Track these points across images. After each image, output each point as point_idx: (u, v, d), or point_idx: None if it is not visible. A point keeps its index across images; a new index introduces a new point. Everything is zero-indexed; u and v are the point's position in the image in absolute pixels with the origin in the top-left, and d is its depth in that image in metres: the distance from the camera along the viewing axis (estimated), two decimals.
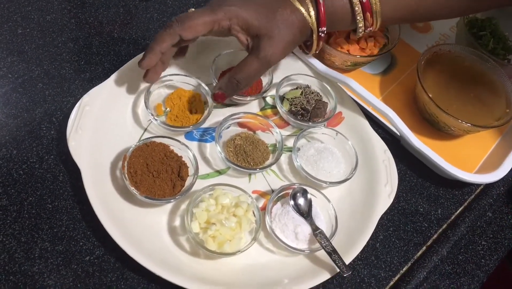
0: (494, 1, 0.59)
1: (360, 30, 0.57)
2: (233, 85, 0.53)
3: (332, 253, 0.49)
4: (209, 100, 0.58)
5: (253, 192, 0.56)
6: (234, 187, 0.52)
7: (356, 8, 0.54)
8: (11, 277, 0.46)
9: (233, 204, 0.51)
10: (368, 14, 0.55)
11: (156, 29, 0.67)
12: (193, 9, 0.53)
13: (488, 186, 0.63)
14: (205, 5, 0.53)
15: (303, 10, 0.53)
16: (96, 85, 0.56)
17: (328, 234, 0.52)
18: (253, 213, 0.51)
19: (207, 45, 0.62)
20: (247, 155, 0.56)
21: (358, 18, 0.55)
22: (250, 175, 0.57)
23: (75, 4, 0.67)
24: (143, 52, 0.53)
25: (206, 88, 0.59)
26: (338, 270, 0.50)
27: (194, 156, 0.53)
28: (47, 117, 0.56)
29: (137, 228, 0.50)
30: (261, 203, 0.55)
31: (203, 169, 0.55)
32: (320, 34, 0.55)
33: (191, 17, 0.50)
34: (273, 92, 0.62)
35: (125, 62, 0.59)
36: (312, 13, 0.53)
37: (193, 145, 0.57)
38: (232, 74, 0.53)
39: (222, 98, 0.54)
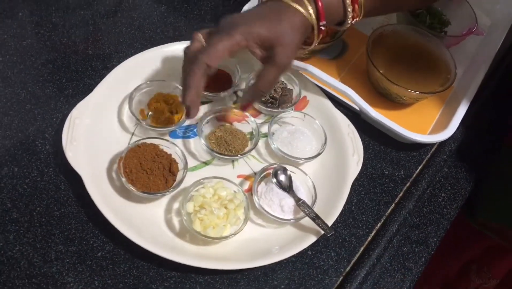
0: None
1: (349, 22, 0.61)
2: (258, 95, 0.58)
3: (315, 218, 0.57)
4: None
5: (238, 176, 0.62)
6: (233, 184, 0.58)
7: (347, 1, 0.59)
8: (33, 280, 0.51)
9: (228, 198, 0.57)
10: (356, 6, 0.59)
11: (127, 41, 0.72)
12: (199, 34, 0.57)
13: (441, 145, 0.72)
14: (214, 28, 0.57)
15: (302, 10, 0.56)
16: (80, 99, 0.61)
17: (309, 203, 0.59)
18: (244, 211, 0.57)
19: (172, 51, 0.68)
20: (228, 144, 0.62)
21: (348, 10, 0.59)
22: (233, 162, 0.63)
23: (47, 27, 0.71)
24: (182, 90, 0.56)
25: (180, 87, 0.65)
26: (323, 232, 0.57)
27: (182, 152, 0.59)
28: (40, 134, 0.61)
29: (139, 220, 0.55)
30: (246, 186, 0.61)
31: (191, 162, 0.61)
32: (320, 28, 0.59)
33: (213, 45, 0.53)
34: (243, 86, 0.69)
35: (103, 75, 0.64)
36: (311, 10, 0.57)
37: (178, 142, 0.63)
38: (256, 86, 0.57)
39: (249, 107, 0.60)
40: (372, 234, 0.62)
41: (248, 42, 0.55)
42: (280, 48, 0.55)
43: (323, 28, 0.59)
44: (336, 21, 0.61)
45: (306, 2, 0.57)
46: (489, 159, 0.76)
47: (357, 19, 0.61)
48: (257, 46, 0.56)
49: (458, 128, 0.72)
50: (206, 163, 0.62)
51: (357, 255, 0.60)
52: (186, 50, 0.58)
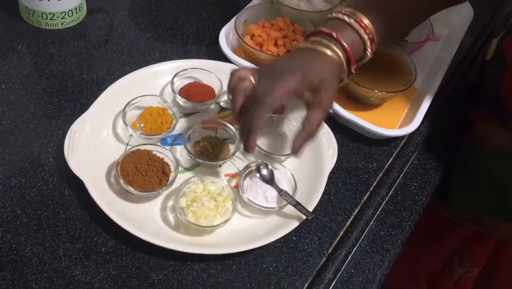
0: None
1: (367, 58, 0.67)
2: (310, 139, 0.62)
3: (297, 204, 0.63)
4: (175, 111, 0.71)
5: (225, 175, 0.68)
6: (221, 180, 0.64)
7: (367, 42, 0.64)
8: (45, 274, 0.56)
9: (217, 192, 0.64)
10: (373, 44, 0.66)
11: (117, 65, 0.79)
12: (243, 71, 0.61)
13: (409, 138, 0.79)
14: (263, 69, 0.63)
15: (335, 56, 0.62)
16: (78, 117, 0.68)
17: (290, 193, 0.65)
18: (232, 203, 0.63)
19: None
20: (210, 153, 0.69)
21: (368, 50, 0.66)
22: (220, 165, 0.70)
23: (45, 57, 0.79)
24: (246, 130, 0.59)
25: (169, 100, 0.72)
26: (305, 217, 0.63)
27: (173, 156, 0.66)
28: (44, 149, 0.67)
29: (137, 218, 0.61)
30: (233, 183, 0.68)
31: (181, 166, 0.68)
32: (351, 71, 0.65)
33: (276, 87, 0.58)
34: (225, 97, 0.76)
35: (97, 95, 0.71)
36: (341, 55, 0.62)
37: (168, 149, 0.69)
38: (308, 131, 0.61)
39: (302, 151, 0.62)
40: (350, 219, 0.68)
41: (303, 88, 0.60)
42: (325, 93, 0.61)
43: (353, 71, 0.66)
44: (358, 59, 0.67)
45: (336, 49, 0.62)
46: (454, 150, 0.83)
47: (373, 51, 0.67)
48: (307, 91, 0.61)
49: (423, 123, 0.79)
50: (195, 166, 0.69)
51: (338, 238, 0.65)
52: (236, 87, 0.61)
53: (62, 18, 0.82)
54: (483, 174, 0.81)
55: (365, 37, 0.64)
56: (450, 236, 0.95)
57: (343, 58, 0.63)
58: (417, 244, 1.01)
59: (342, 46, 0.63)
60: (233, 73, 0.63)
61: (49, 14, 0.80)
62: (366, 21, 0.64)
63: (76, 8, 0.82)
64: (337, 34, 0.63)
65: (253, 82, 0.61)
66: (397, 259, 1.05)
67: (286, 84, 0.59)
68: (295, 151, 0.61)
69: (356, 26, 0.64)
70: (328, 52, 0.62)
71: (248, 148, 0.60)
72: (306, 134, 0.61)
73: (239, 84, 0.61)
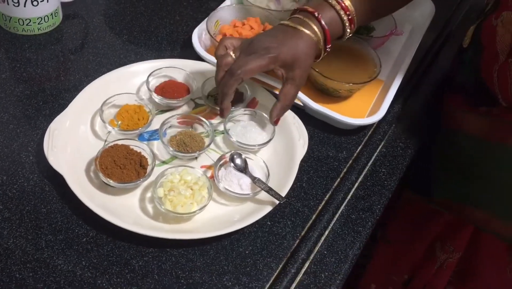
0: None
1: (347, 36, 0.73)
2: (285, 110, 0.71)
3: (269, 190, 0.66)
4: (151, 108, 0.74)
5: (201, 166, 0.71)
6: (197, 171, 0.67)
7: (346, 23, 0.70)
8: (28, 265, 0.58)
9: (193, 181, 0.66)
10: (352, 25, 0.71)
11: (94, 67, 0.82)
12: (228, 43, 0.70)
13: (376, 128, 0.83)
14: (243, 43, 0.69)
15: (313, 35, 0.68)
16: (57, 116, 0.70)
17: (264, 180, 0.68)
18: (207, 191, 0.66)
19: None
20: (186, 145, 0.72)
21: (348, 30, 0.71)
22: (196, 157, 0.72)
23: (22, 62, 0.81)
24: (219, 96, 0.70)
25: (145, 98, 0.75)
26: (278, 202, 0.66)
27: (150, 149, 0.69)
28: (24, 148, 0.69)
29: (117, 209, 0.64)
30: (209, 174, 0.70)
31: (158, 160, 0.71)
32: (327, 50, 0.71)
33: (248, 64, 0.66)
34: (199, 94, 0.79)
35: (75, 96, 0.73)
36: (319, 33, 0.69)
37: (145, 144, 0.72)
38: (283, 103, 0.70)
39: (278, 122, 0.73)
40: (322, 203, 0.71)
41: (274, 65, 0.67)
42: (298, 70, 0.68)
43: (328, 50, 0.72)
44: (336, 37, 0.73)
45: (315, 28, 0.68)
46: (421, 137, 0.87)
47: (353, 31, 0.73)
48: (280, 68, 0.68)
49: (389, 112, 0.83)
50: (172, 158, 0.71)
51: (310, 221, 0.69)
52: (219, 60, 0.69)
53: (38, 24, 0.84)
54: (460, 161, 0.85)
55: (345, 18, 0.70)
56: (431, 225, 0.97)
57: (320, 36, 0.69)
58: (398, 238, 1.04)
59: (321, 25, 0.69)
60: (220, 42, 0.71)
61: (26, 20, 0.83)
62: (347, 2, 0.70)
63: (52, 14, 0.85)
64: (319, 14, 0.69)
65: (233, 57, 0.69)
66: (377, 253, 1.09)
67: (258, 60, 0.66)
68: (273, 121, 0.71)
69: (338, 7, 0.70)
70: (306, 30, 0.68)
71: (221, 113, 0.71)
72: (281, 106, 0.70)
73: (221, 59, 0.69)
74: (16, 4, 0.80)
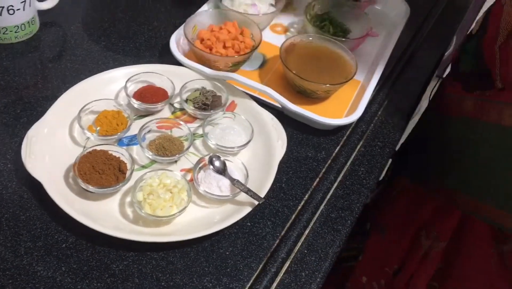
0: None
1: None
2: None
3: (248, 191, 0.66)
4: (130, 113, 0.74)
5: (181, 170, 0.72)
6: (176, 174, 0.67)
7: None
8: (7, 272, 0.58)
9: (172, 184, 0.67)
10: None
11: (72, 74, 0.82)
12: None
13: (354, 128, 0.84)
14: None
15: None
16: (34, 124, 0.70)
17: (243, 182, 0.68)
18: (187, 193, 0.67)
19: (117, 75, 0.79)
20: (165, 149, 0.72)
21: None
22: (176, 161, 0.73)
23: (0, 70, 0.81)
24: None
25: (123, 104, 0.75)
26: (257, 203, 0.66)
27: (129, 154, 0.69)
28: (2, 156, 0.69)
29: (97, 215, 0.64)
30: (188, 177, 0.71)
31: (137, 164, 0.71)
32: None
33: None
34: (178, 98, 0.79)
35: (53, 103, 0.73)
36: None
37: (124, 149, 0.72)
38: None
39: None
40: (302, 203, 0.72)
41: None
42: None
43: None
44: None
45: None
46: (399, 135, 0.88)
47: None
48: None
49: (367, 113, 0.85)
50: (151, 163, 0.72)
51: (290, 221, 0.69)
52: None
53: (15, 32, 0.84)
54: (453, 145, 0.86)
55: None
56: (421, 212, 0.99)
57: None
58: (391, 227, 1.05)
59: None
60: None
61: (2, 28, 0.83)
62: None
63: (28, 22, 0.85)
64: None
65: None
66: (369, 245, 1.09)
67: None
68: None
69: None
70: None
71: None
72: None
73: None
74: None
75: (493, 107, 0.78)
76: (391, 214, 1.05)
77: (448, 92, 0.89)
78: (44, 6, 0.88)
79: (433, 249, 0.96)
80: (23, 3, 0.82)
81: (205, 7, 0.94)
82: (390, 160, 1.07)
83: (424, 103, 1.05)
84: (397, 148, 0.96)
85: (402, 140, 0.99)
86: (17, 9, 0.82)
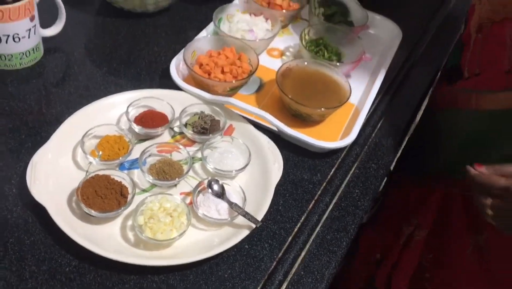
0: None
1: None
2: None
3: (246, 214, 0.69)
4: (131, 138, 0.76)
5: (180, 193, 0.74)
6: (176, 198, 0.70)
7: None
8: None
9: (172, 208, 0.69)
10: None
11: (75, 99, 0.85)
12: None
13: (349, 150, 0.86)
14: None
15: None
16: (39, 149, 0.73)
17: (241, 205, 0.71)
18: (186, 217, 0.69)
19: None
20: (165, 173, 0.74)
21: None
22: (175, 184, 0.75)
23: (4, 96, 0.83)
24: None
25: (125, 128, 0.78)
26: (255, 226, 0.69)
27: (130, 178, 0.71)
28: (7, 181, 0.71)
29: (99, 238, 0.66)
30: (188, 200, 0.73)
31: (138, 188, 0.73)
32: None
33: None
34: (177, 123, 0.82)
35: (56, 128, 0.76)
36: None
37: (125, 173, 0.74)
38: None
39: None
40: (298, 225, 0.74)
41: None
42: None
43: None
44: None
45: None
46: (391, 158, 0.91)
47: None
48: None
49: (361, 135, 0.87)
50: (152, 187, 0.74)
51: (287, 243, 0.71)
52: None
53: (20, 59, 0.87)
54: (440, 135, 0.94)
55: None
56: (402, 202, 1.01)
57: None
58: (384, 221, 1.08)
59: None
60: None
61: (7, 55, 0.85)
62: None
63: (33, 49, 0.88)
64: None
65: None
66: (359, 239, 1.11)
67: None
68: None
69: None
70: None
71: None
72: None
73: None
74: None
75: (462, 95, 0.87)
76: (386, 209, 1.10)
77: (439, 91, 0.97)
78: (48, 33, 0.91)
79: (415, 236, 0.98)
80: (28, 31, 0.85)
81: (203, 33, 0.97)
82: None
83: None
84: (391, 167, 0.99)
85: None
86: (23, 37, 0.85)
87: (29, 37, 0.86)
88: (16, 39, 0.84)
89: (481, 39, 0.85)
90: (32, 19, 0.85)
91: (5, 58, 0.86)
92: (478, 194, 0.71)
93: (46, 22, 0.91)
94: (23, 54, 0.87)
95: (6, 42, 0.84)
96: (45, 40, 0.92)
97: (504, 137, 0.82)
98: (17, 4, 0.81)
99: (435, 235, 0.95)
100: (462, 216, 0.91)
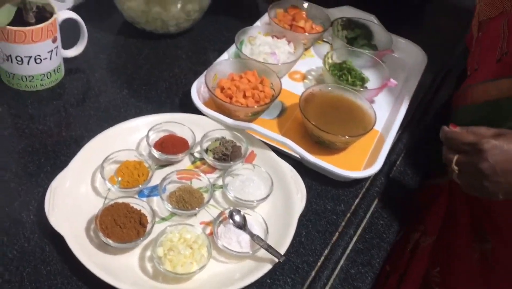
0: None
1: None
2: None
3: (268, 248, 0.66)
4: (151, 164, 0.75)
5: (200, 223, 0.72)
6: (196, 228, 0.68)
7: None
8: None
9: (192, 239, 0.67)
10: None
11: (95, 122, 0.83)
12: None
13: (373, 179, 0.84)
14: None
15: None
16: (58, 173, 0.71)
17: (263, 237, 0.68)
18: (207, 249, 0.67)
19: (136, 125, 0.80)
20: (186, 202, 0.72)
21: None
22: (195, 214, 0.73)
23: (25, 118, 0.83)
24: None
25: (145, 154, 0.76)
26: (277, 260, 0.66)
27: (150, 206, 0.69)
28: (25, 207, 0.70)
29: (117, 269, 0.64)
30: (208, 230, 0.71)
31: (157, 216, 0.71)
32: None
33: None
34: (198, 148, 0.80)
35: (76, 152, 0.75)
36: None
37: (145, 200, 0.73)
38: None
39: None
40: (321, 259, 0.71)
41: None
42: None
43: None
44: None
45: None
46: (416, 186, 0.88)
47: None
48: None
49: (386, 164, 0.85)
50: (171, 215, 0.72)
51: (310, 278, 0.69)
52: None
53: (41, 80, 0.86)
54: None
55: None
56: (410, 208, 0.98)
57: None
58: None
59: None
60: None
61: (29, 77, 0.85)
62: None
63: (54, 70, 0.87)
64: None
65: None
66: None
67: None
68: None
69: None
70: None
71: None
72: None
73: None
74: (20, 62, 0.83)
75: (466, 92, 0.84)
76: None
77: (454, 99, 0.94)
78: (70, 53, 0.91)
79: (421, 243, 0.94)
80: (50, 52, 0.84)
81: (225, 56, 0.96)
82: None
83: None
84: None
85: None
86: (44, 58, 0.84)
87: (50, 58, 0.85)
88: (38, 61, 0.83)
89: (480, 36, 0.85)
90: (54, 40, 0.84)
91: (26, 80, 0.85)
92: (447, 149, 0.70)
93: (67, 42, 0.90)
94: (44, 75, 0.86)
95: (28, 63, 0.83)
96: (66, 60, 0.91)
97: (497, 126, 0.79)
98: (39, 25, 0.81)
99: (442, 243, 0.91)
100: (467, 222, 0.87)
